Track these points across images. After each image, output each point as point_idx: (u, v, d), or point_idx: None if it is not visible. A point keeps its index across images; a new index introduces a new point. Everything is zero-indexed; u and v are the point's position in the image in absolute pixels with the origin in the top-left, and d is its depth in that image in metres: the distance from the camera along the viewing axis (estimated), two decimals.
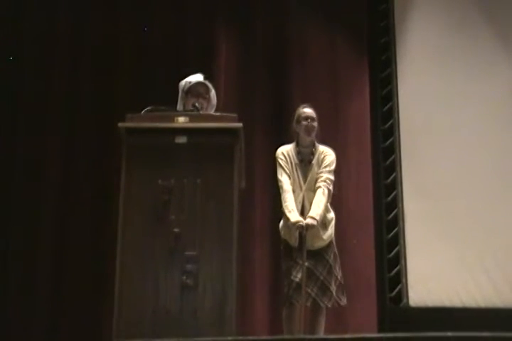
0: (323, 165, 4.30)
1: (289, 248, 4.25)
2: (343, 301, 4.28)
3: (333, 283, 4.21)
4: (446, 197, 5.76)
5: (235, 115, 3.79)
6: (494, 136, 5.90)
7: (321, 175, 4.27)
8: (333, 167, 4.32)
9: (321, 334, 4.18)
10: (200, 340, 3.17)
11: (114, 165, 4.51)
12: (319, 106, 5.57)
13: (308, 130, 4.34)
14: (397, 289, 5.69)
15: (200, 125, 3.71)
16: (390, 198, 5.89)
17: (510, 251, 5.64)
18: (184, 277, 3.51)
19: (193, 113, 3.91)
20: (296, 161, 4.32)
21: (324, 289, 4.17)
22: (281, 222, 4.35)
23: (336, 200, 5.50)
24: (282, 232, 4.32)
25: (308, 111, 4.39)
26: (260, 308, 5.31)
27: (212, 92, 4.21)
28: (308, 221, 4.10)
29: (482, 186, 5.77)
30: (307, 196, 4.26)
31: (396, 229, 5.80)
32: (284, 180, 4.25)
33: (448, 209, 5.73)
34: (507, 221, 5.71)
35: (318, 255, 4.19)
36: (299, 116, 4.38)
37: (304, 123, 4.34)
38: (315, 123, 4.36)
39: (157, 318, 3.46)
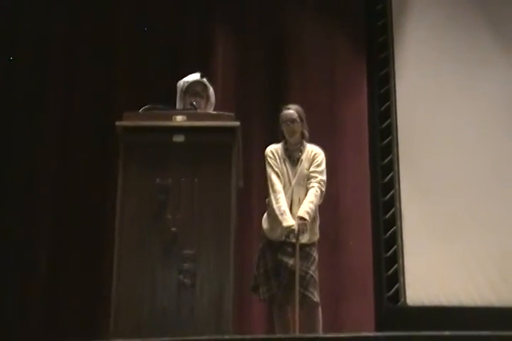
0: (315, 164, 4.29)
1: (272, 244, 4.25)
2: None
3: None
4: (443, 196, 5.76)
5: (232, 114, 3.79)
6: (492, 135, 5.90)
7: (314, 174, 4.27)
8: (324, 166, 4.32)
9: (320, 331, 4.17)
10: (197, 339, 3.17)
11: (111, 164, 4.51)
12: (317, 105, 5.63)
13: (288, 132, 4.33)
14: (395, 288, 5.69)
15: (198, 123, 3.71)
16: (387, 197, 5.90)
17: (508, 249, 5.65)
18: (181, 276, 3.51)
19: (190, 111, 3.90)
20: (285, 157, 4.32)
21: (314, 283, 4.18)
22: (265, 216, 4.34)
23: (333, 199, 5.53)
24: (265, 226, 4.31)
25: (288, 113, 4.34)
26: (257, 307, 5.30)
27: (211, 90, 4.19)
28: (300, 223, 4.11)
29: (480, 185, 5.78)
30: (296, 191, 4.25)
31: (393, 228, 5.81)
32: (275, 180, 4.25)
33: (445, 208, 5.74)
34: (504, 220, 5.72)
35: (303, 251, 4.19)
36: (280, 118, 4.37)
37: (284, 125, 4.33)
38: (295, 125, 4.31)
39: (154, 317, 3.46)
